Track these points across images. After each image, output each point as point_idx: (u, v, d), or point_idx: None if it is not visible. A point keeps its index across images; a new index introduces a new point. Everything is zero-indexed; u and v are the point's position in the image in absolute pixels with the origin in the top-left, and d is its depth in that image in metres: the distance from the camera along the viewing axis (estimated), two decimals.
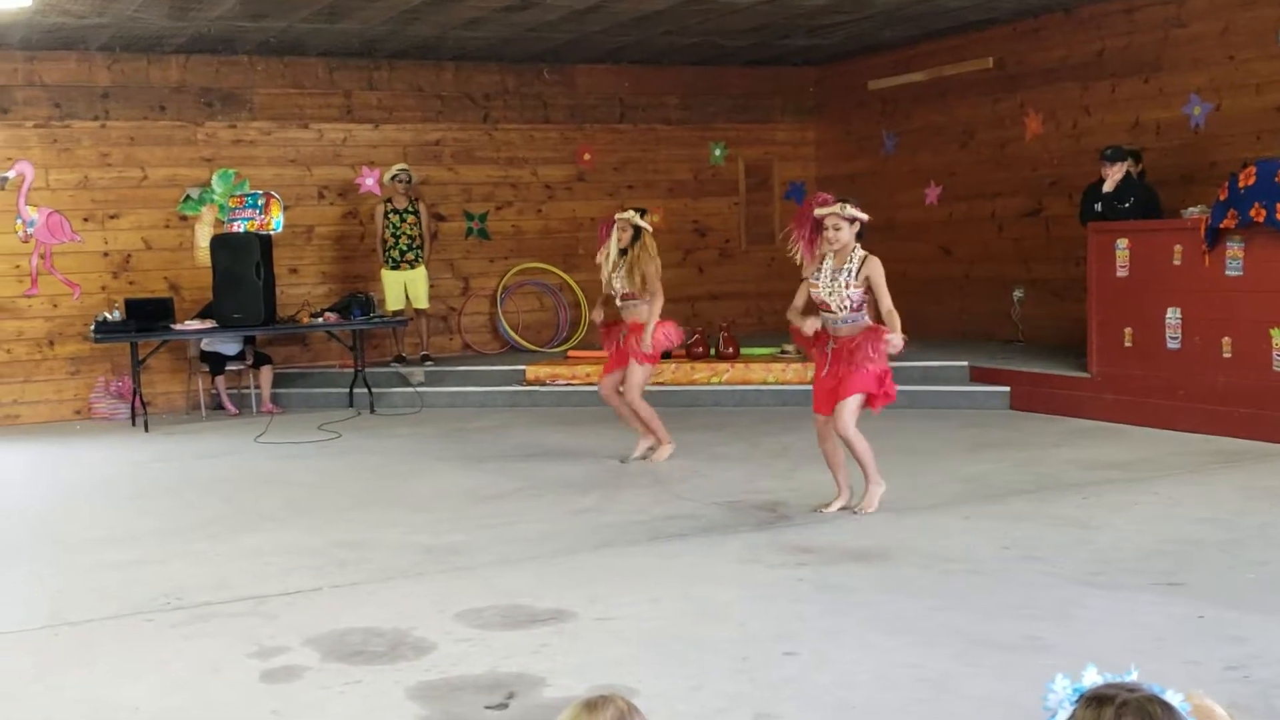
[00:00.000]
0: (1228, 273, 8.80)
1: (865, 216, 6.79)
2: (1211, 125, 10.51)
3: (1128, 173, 9.86)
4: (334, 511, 7.53)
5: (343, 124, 13.01)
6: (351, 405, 11.79)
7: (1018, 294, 12.34)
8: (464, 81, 13.49)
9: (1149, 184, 10.17)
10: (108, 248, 12.14)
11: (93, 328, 11.18)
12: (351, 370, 11.92)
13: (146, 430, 11.01)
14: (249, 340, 11.93)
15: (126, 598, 5.73)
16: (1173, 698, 1.77)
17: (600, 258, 8.66)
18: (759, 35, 12.54)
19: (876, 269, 6.70)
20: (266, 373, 11.92)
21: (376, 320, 12.08)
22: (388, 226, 12.45)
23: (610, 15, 11.18)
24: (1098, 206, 9.91)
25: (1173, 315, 9.22)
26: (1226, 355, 8.87)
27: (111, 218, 12.13)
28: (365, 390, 11.70)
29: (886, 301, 6.69)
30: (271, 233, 11.62)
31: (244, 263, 11.22)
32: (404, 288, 12.49)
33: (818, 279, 6.83)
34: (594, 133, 14.12)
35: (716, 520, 6.90)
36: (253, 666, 4.73)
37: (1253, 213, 8.42)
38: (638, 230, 8.49)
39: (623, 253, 8.47)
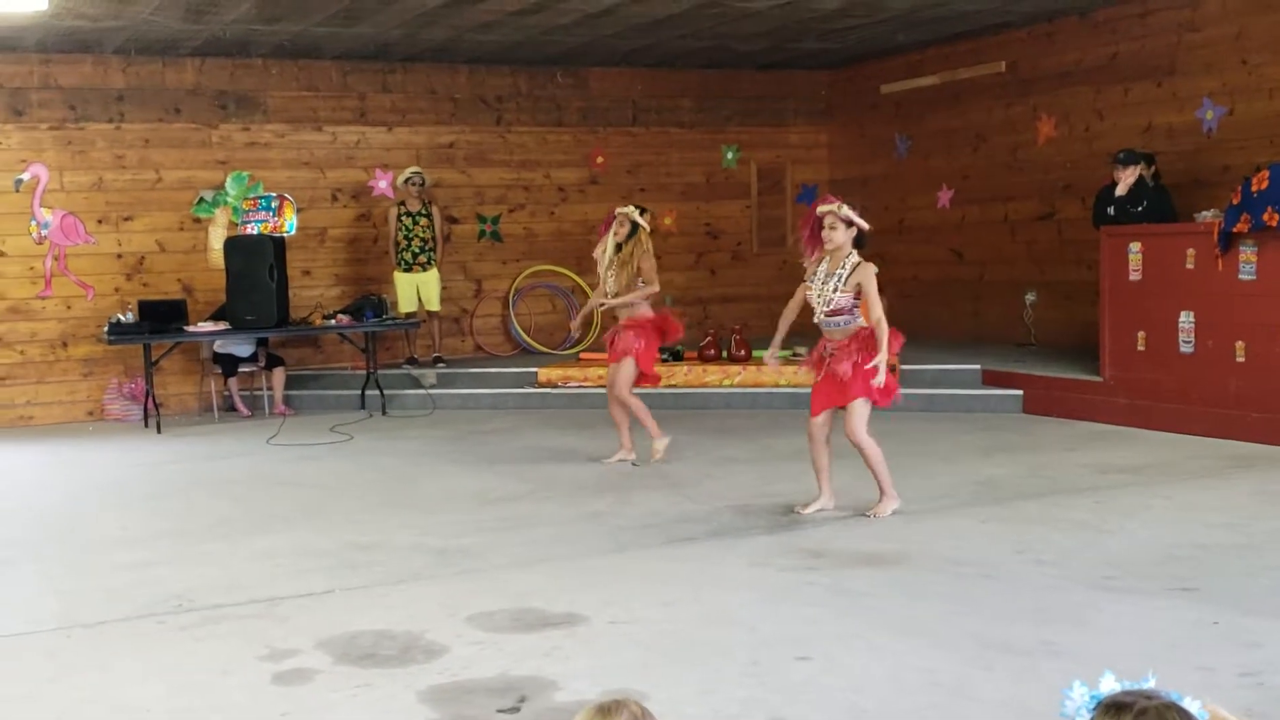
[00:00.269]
0: (1240, 277, 8.78)
1: (863, 222, 6.78)
2: (1224, 129, 10.48)
3: (1140, 176, 9.85)
4: (346, 513, 7.53)
5: (356, 127, 13.04)
6: (364, 407, 11.81)
7: (1030, 297, 12.31)
8: (477, 84, 13.51)
9: (1165, 186, 10.15)
10: (121, 250, 12.17)
11: (106, 329, 11.21)
12: (364, 372, 11.94)
13: (159, 432, 11.04)
14: (262, 342, 11.95)
15: (138, 599, 5.74)
16: (1190, 705, 1.76)
17: (598, 252, 8.73)
18: (772, 39, 12.54)
19: (868, 276, 6.68)
20: (279, 374, 11.94)
21: (389, 322, 12.10)
22: (401, 229, 12.47)
23: (623, 19, 11.19)
24: (1110, 210, 9.89)
25: (1185, 319, 9.20)
26: (1239, 359, 8.85)
27: (125, 220, 12.17)
28: (377, 392, 11.71)
29: (877, 310, 6.64)
30: (285, 235, 11.64)
31: (257, 265, 11.25)
32: (416, 290, 12.51)
33: (812, 280, 6.86)
34: (607, 135, 14.13)
35: (728, 523, 6.89)
36: (264, 669, 4.73)
37: (1265, 217, 8.39)
38: (635, 227, 8.53)
39: (618, 248, 8.52)
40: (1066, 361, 10.82)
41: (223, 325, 11.40)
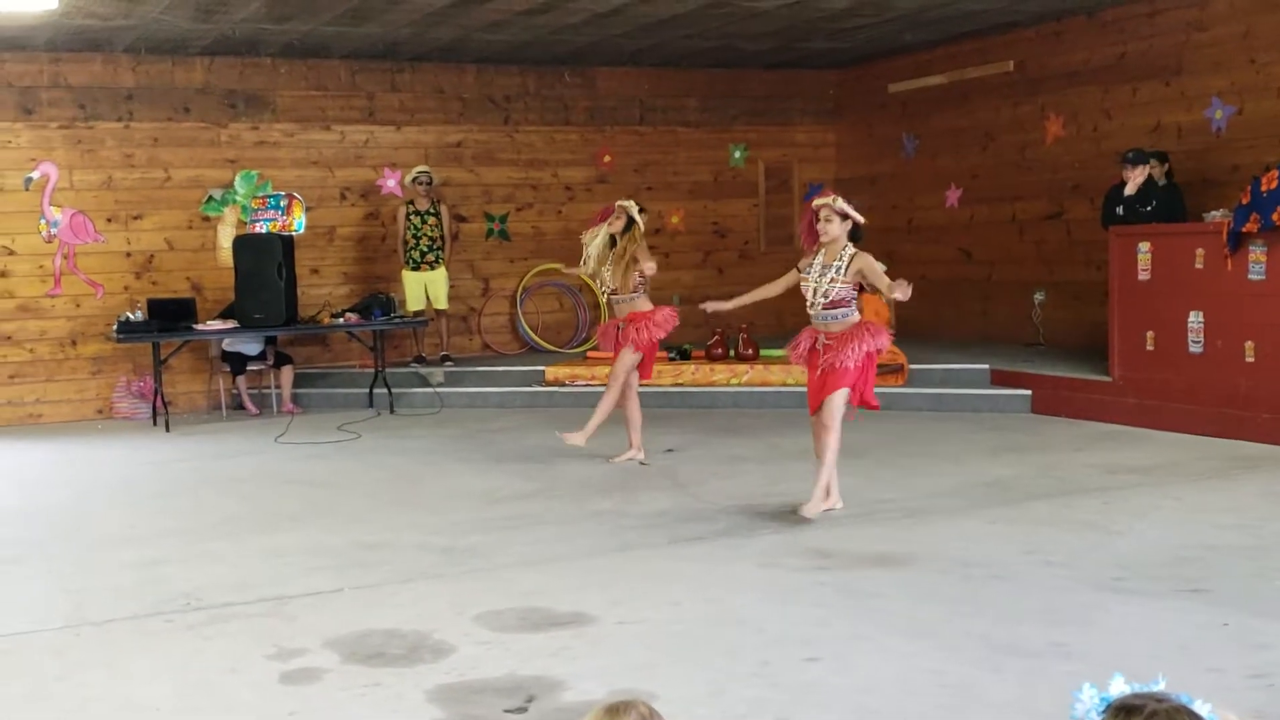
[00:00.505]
0: (1250, 276, 8.76)
1: (858, 216, 6.88)
2: (1233, 129, 10.46)
3: (1150, 176, 9.83)
4: (353, 512, 7.54)
5: (365, 126, 13.05)
6: (371, 405, 11.82)
7: (1039, 297, 12.29)
8: (485, 84, 13.52)
9: (1177, 184, 10.12)
10: (130, 248, 12.19)
11: (115, 327, 11.23)
12: (372, 370, 11.94)
13: (168, 430, 11.05)
14: (270, 340, 11.96)
15: (146, 597, 5.75)
16: (1201, 708, 1.76)
17: (586, 236, 8.77)
18: (779, 38, 12.52)
19: (868, 261, 6.77)
20: (287, 373, 11.96)
21: (397, 321, 12.11)
22: (409, 228, 12.48)
23: (631, 18, 11.19)
24: (1119, 210, 9.87)
25: (1195, 319, 9.18)
26: (1249, 359, 8.82)
27: (134, 218, 12.19)
28: (385, 390, 11.72)
29: (885, 280, 6.69)
30: (293, 233, 11.66)
31: (266, 263, 11.26)
32: (424, 288, 12.52)
33: (808, 272, 6.89)
34: (614, 134, 14.13)
35: (736, 523, 6.89)
36: (272, 668, 4.73)
37: (1275, 216, 8.37)
38: (630, 221, 8.55)
39: (613, 242, 8.55)
40: (1075, 361, 10.80)
41: (231, 324, 11.41)
